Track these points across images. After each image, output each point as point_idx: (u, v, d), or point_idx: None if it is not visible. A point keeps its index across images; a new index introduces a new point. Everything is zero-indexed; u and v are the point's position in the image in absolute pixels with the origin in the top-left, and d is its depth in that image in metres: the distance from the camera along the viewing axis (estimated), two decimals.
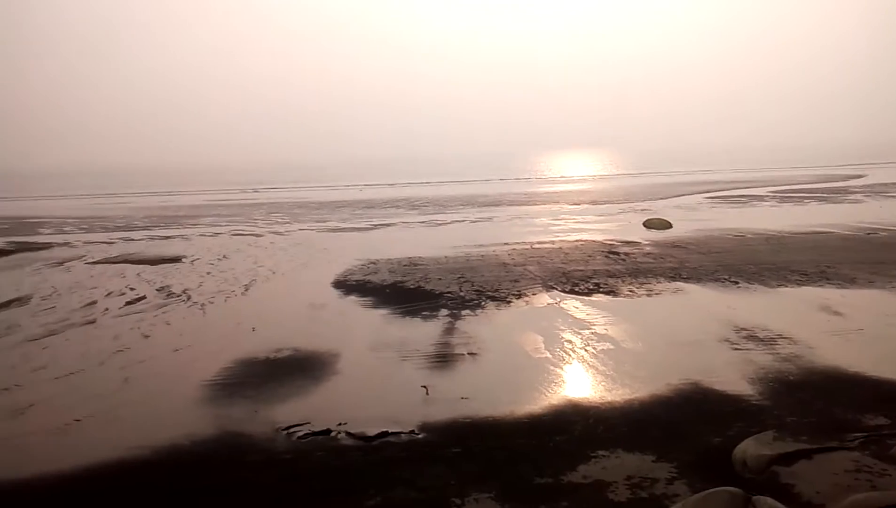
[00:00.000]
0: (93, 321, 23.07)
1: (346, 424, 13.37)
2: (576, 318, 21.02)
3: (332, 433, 13.02)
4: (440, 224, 53.09)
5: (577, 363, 16.76)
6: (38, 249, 46.44)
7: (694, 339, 18.29)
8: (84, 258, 40.39)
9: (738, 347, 17.43)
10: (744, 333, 18.61)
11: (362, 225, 54.95)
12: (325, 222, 58.77)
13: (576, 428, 12.76)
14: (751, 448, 11.15)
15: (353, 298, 25.62)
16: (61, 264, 38.27)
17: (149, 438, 13.06)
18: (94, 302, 26.42)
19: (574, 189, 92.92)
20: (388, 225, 54.38)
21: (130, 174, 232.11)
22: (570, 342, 18.50)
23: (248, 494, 10.78)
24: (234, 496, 10.73)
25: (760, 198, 66.72)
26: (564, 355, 17.39)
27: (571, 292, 24.76)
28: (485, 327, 20.51)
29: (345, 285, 28.07)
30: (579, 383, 15.41)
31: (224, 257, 38.81)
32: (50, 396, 15.65)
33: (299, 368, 17.35)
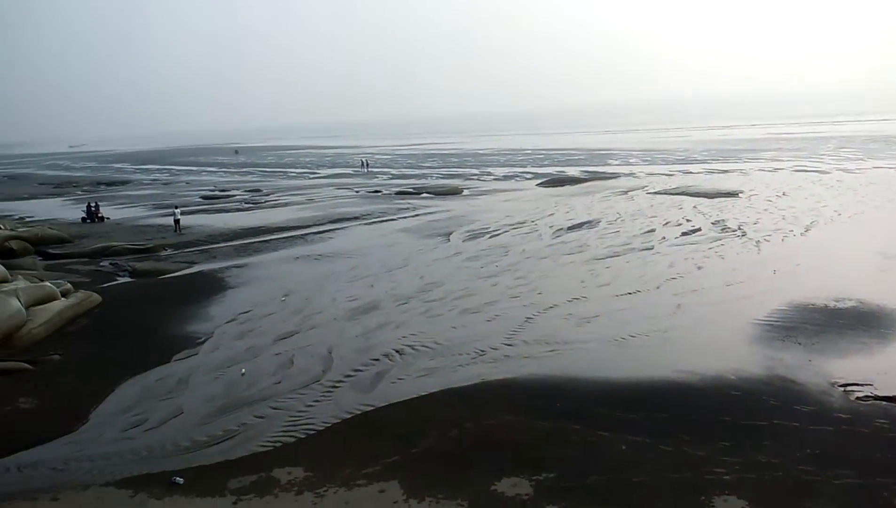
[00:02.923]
0: (650, 248, 24.61)
1: None
2: None
3: None
4: None
5: None
6: (607, 178, 51.51)
7: None
8: (646, 188, 43.22)
9: None
10: None
11: None
12: None
13: None
14: None
15: None
16: (626, 192, 41.71)
17: (696, 364, 13.41)
18: (653, 230, 28.12)
19: None
20: None
21: (688, 108, 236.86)
22: None
23: (793, 441, 10.21)
24: (780, 440, 10.28)
25: None
26: None
27: None
28: None
29: None
30: None
31: (783, 193, 36.79)
32: (611, 310, 17.36)
33: (863, 322, 15.46)
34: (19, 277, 20.53)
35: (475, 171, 63.55)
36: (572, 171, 57.62)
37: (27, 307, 17.34)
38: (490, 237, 28.53)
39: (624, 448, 10.26)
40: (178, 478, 9.82)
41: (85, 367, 14.90)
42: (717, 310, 17.03)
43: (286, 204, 43.60)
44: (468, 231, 30.24)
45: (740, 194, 37.08)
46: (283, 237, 30.89)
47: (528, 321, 16.71)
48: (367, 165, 74.24)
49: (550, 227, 30.16)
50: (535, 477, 9.43)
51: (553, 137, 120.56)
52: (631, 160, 65.65)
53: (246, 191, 53.19)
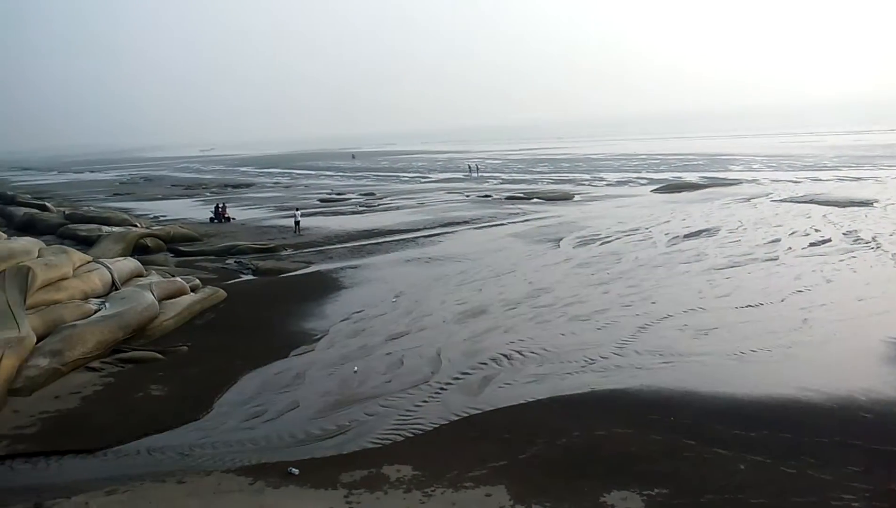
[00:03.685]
0: (775, 259, 23.35)
1: None
2: None
3: None
4: None
5: None
6: (728, 184, 49.33)
7: None
8: (770, 196, 41.09)
9: None
10: None
11: None
12: None
13: None
14: None
15: None
16: (748, 200, 39.80)
17: (823, 383, 12.61)
18: (778, 240, 26.67)
19: None
20: None
21: (816, 114, 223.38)
22: None
23: None
24: None
25: None
26: None
27: None
28: None
29: None
30: None
31: None
32: (730, 323, 16.60)
33: None
34: (153, 272, 22.07)
35: (587, 176, 62.57)
36: (690, 176, 55.66)
37: (159, 301, 18.59)
38: (601, 244, 27.99)
39: (742, 467, 9.78)
40: (293, 469, 10.22)
41: (210, 358, 15.79)
42: (847, 326, 15.95)
43: (398, 208, 44.53)
44: (579, 237, 29.80)
45: (875, 204, 34.62)
46: (395, 240, 31.55)
47: (640, 331, 16.27)
48: (478, 169, 74.67)
49: (666, 234, 29.25)
50: (646, 492, 9.15)
51: (669, 142, 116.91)
52: (754, 166, 62.70)
53: (360, 194, 54.73)
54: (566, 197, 46.44)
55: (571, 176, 63.34)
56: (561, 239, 29.52)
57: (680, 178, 55.09)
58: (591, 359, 14.55)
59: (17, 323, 15.01)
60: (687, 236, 28.47)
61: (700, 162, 70.68)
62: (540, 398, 12.73)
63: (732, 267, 22.43)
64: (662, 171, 63.17)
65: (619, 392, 12.80)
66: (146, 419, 12.51)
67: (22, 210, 44.43)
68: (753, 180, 50.40)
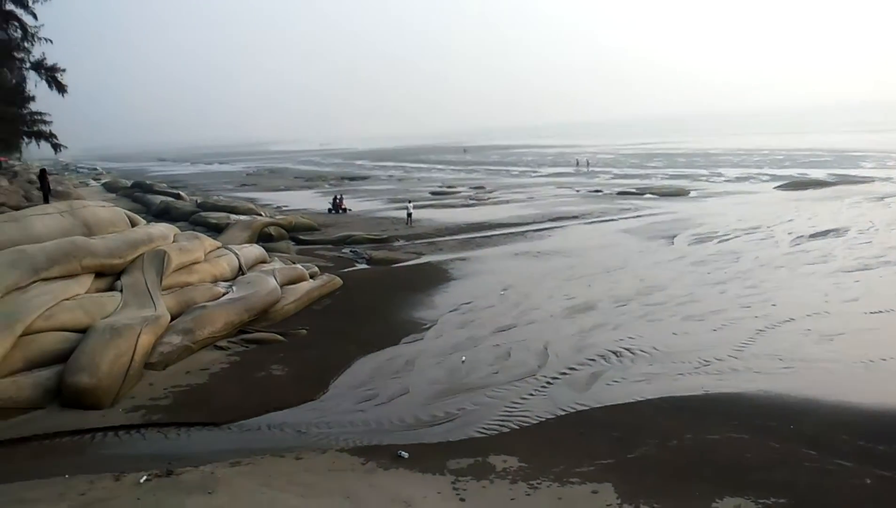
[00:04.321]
0: None
1: None
2: None
3: None
4: None
5: None
6: (859, 182, 46.21)
7: None
8: None
9: None
10: None
11: None
12: None
13: None
14: None
15: None
16: (881, 199, 37.14)
17: None
18: None
19: None
20: None
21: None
22: None
23: None
24: None
25: None
26: None
27: None
28: None
29: None
30: None
31: None
32: (859, 329, 15.64)
33: None
34: (276, 258, 23.20)
35: (704, 171, 60.28)
36: (816, 173, 52.53)
37: (281, 286, 19.53)
38: (719, 242, 26.97)
39: (868, 482, 9.25)
40: (403, 452, 10.56)
41: (327, 342, 16.48)
42: None
43: (508, 201, 44.54)
44: (694, 234, 28.83)
45: None
46: (504, 234, 31.64)
47: (759, 334, 15.61)
48: (588, 164, 73.46)
49: (789, 233, 27.81)
50: (762, 501, 8.83)
51: (790, 137, 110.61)
52: (888, 163, 58.40)
53: (470, 188, 55.11)
54: (681, 193, 44.99)
55: (687, 171, 61.21)
56: (675, 236, 28.67)
57: (805, 174, 52.12)
58: (706, 360, 14.12)
59: (153, 303, 16.21)
60: (812, 236, 26.96)
61: (827, 158, 66.53)
62: (650, 397, 12.51)
63: (862, 270, 21.07)
64: (786, 167, 59.98)
65: (735, 396, 12.36)
66: (268, 397, 13.23)
67: (159, 198, 47.76)
68: (887, 178, 46.99)
